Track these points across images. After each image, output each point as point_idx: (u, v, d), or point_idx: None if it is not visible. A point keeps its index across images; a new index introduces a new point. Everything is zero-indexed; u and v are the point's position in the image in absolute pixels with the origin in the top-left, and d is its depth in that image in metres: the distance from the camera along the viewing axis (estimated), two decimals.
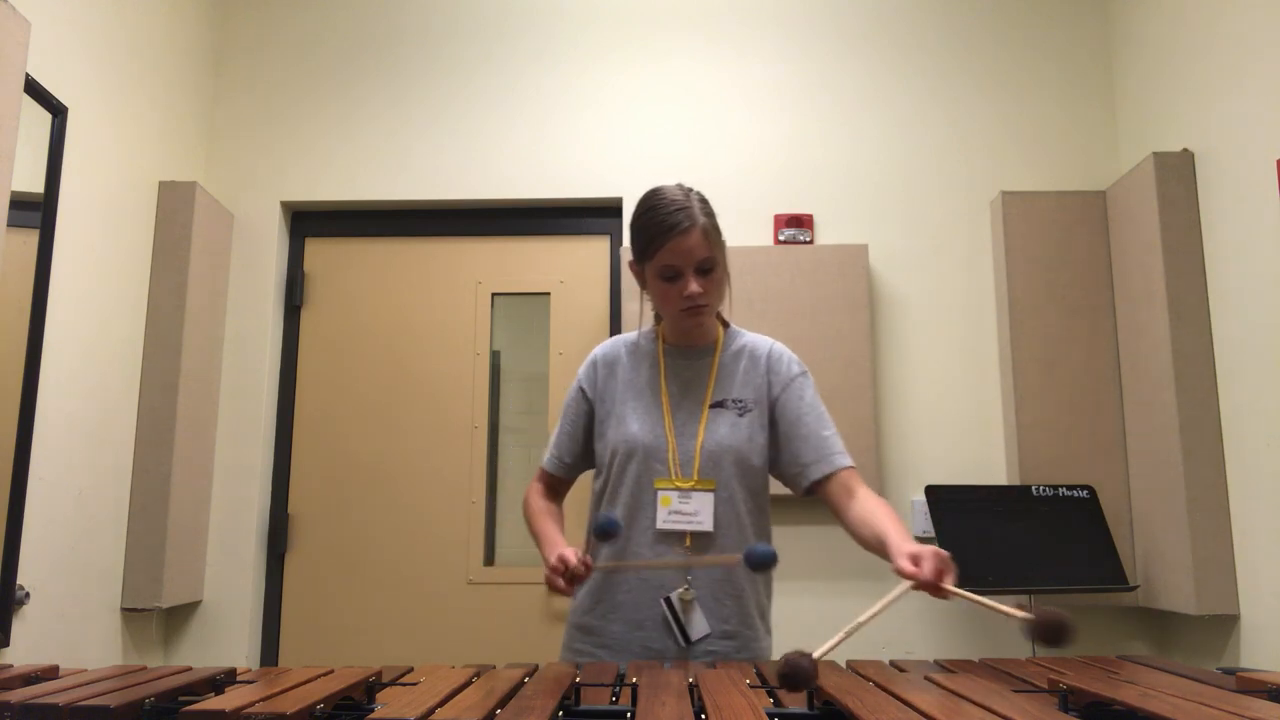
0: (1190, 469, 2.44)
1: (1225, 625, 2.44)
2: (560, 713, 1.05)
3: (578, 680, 1.18)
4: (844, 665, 1.35)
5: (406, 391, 3.04)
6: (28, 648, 2.18)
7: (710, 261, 1.57)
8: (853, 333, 2.84)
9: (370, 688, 1.14)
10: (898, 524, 1.43)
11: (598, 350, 1.75)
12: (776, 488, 1.70)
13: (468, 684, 1.15)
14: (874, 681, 1.15)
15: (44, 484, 2.25)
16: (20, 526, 2.13)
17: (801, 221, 2.98)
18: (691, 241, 1.54)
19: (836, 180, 3.03)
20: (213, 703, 0.97)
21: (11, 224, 2.07)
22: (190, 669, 1.22)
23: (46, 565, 2.26)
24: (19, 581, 2.13)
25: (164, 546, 2.60)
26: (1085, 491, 2.64)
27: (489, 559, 2.98)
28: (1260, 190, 2.30)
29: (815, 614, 2.79)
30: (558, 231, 3.13)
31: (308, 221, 3.16)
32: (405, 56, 3.16)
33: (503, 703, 1.03)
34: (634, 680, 1.18)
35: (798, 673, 0.99)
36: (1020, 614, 1.09)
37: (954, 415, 2.90)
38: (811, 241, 2.97)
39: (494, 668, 1.32)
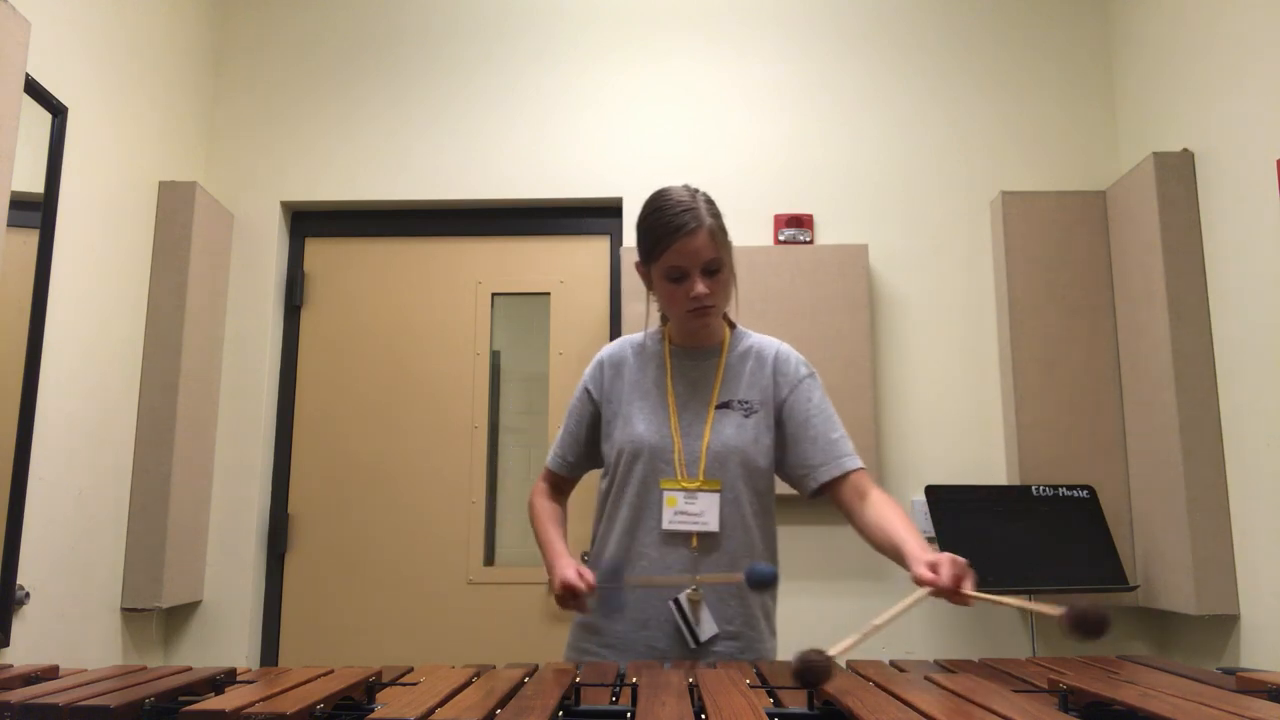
0: (1190, 469, 2.44)
1: (1225, 625, 2.44)
2: (560, 713, 1.05)
3: (578, 680, 1.18)
4: (844, 665, 1.35)
5: (406, 391, 3.05)
6: (28, 648, 2.18)
7: (716, 262, 1.57)
8: (853, 333, 2.84)
9: (370, 688, 1.14)
10: (913, 530, 1.44)
11: (604, 351, 1.75)
12: (780, 488, 1.70)
13: (468, 684, 1.15)
14: (874, 681, 1.15)
15: (44, 484, 2.25)
16: (20, 526, 2.13)
17: (801, 221, 2.98)
18: (698, 242, 1.54)
19: (836, 180, 3.03)
20: (213, 703, 0.97)
21: (11, 224, 2.07)
22: (190, 669, 1.22)
23: (46, 565, 2.26)
24: (19, 581, 2.13)
25: (164, 546, 2.60)
26: (1085, 491, 2.64)
27: (489, 559, 2.98)
28: (1260, 190, 2.30)
29: (816, 614, 2.79)
30: (558, 231, 3.13)
31: (308, 221, 3.16)
32: (405, 56, 3.16)
33: (503, 703, 1.03)
34: (634, 680, 1.18)
35: (813, 670, 1.01)
36: (1049, 610, 1.09)
37: (954, 415, 2.90)
38: (811, 241, 2.97)
39: (494, 668, 1.32)
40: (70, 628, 2.36)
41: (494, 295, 3.10)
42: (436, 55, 3.16)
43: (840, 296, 2.86)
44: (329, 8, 3.20)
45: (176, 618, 2.86)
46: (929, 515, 2.60)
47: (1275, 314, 2.25)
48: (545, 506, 1.74)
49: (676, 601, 1.57)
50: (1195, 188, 2.57)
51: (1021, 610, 2.77)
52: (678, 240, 1.54)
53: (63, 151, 2.29)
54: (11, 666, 1.27)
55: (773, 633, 1.67)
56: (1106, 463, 2.73)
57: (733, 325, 1.73)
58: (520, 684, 1.16)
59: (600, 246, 3.11)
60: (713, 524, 1.58)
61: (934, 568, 1.27)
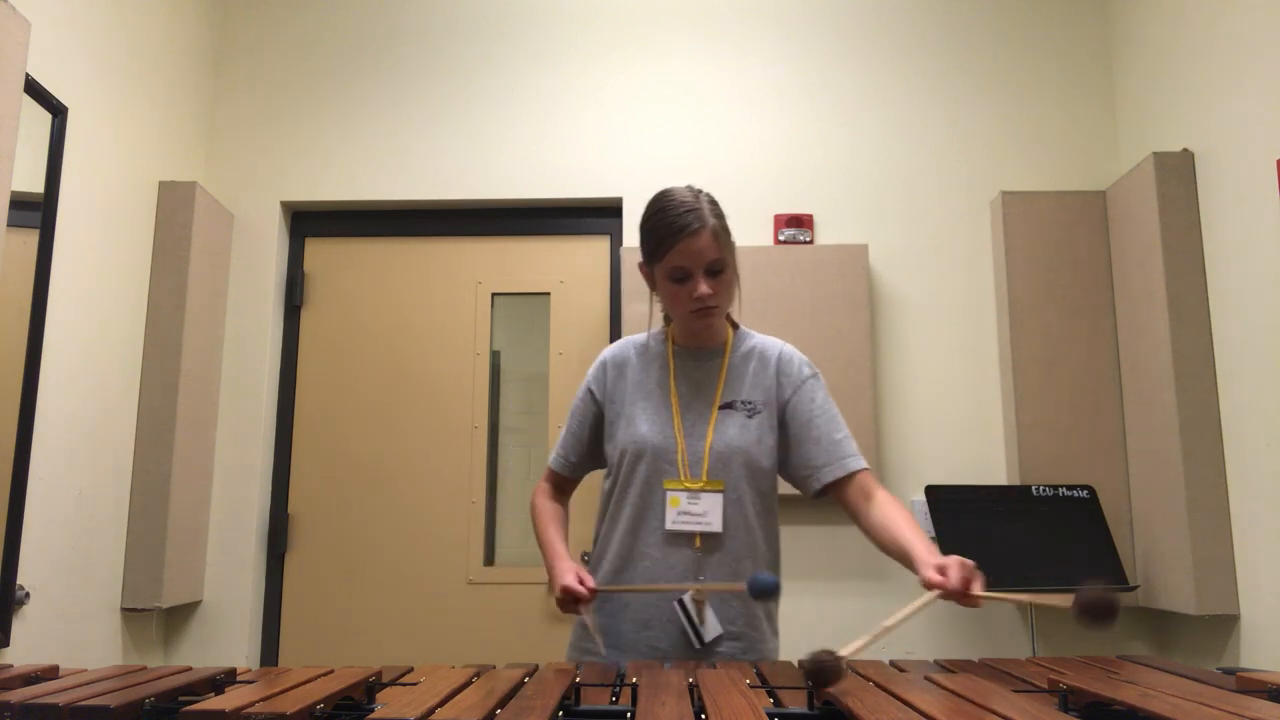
0: (1190, 469, 2.44)
1: (1225, 625, 2.44)
2: (560, 713, 1.05)
3: (578, 680, 1.18)
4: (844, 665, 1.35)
5: (406, 391, 3.05)
6: (28, 648, 2.18)
7: (720, 263, 1.57)
8: (853, 333, 2.84)
9: (370, 688, 1.14)
10: (919, 533, 1.45)
11: (607, 352, 1.75)
12: (781, 488, 1.70)
13: (468, 684, 1.15)
14: (874, 681, 1.15)
15: (44, 484, 2.25)
16: (20, 526, 2.13)
17: (801, 221, 2.98)
18: (701, 243, 1.54)
19: (836, 180, 3.03)
20: (213, 703, 0.97)
21: (11, 224, 2.07)
22: (190, 669, 1.22)
23: (46, 565, 2.26)
24: (19, 581, 2.13)
25: (164, 546, 2.60)
26: (1085, 491, 2.64)
27: (489, 559, 2.98)
28: (1260, 190, 2.30)
29: (816, 614, 2.79)
30: (558, 231, 3.13)
31: (308, 221, 3.16)
32: (405, 56, 3.16)
33: (503, 703, 1.03)
34: (634, 680, 1.18)
35: (825, 670, 1.03)
36: (1059, 601, 1.11)
37: (954, 415, 2.90)
38: (811, 241, 2.97)
39: (494, 668, 1.32)
40: (70, 628, 2.36)
41: (494, 295, 3.10)
42: (436, 55, 3.16)
43: (840, 296, 2.86)
44: (329, 8, 3.20)
45: (176, 618, 2.86)
46: (929, 515, 2.60)
47: (1275, 314, 2.25)
48: (547, 507, 1.74)
49: (681, 602, 1.57)
50: (1195, 188, 2.57)
51: (1027, 607, 2.77)
52: (681, 241, 1.54)
53: (63, 151, 2.29)
54: (11, 666, 1.27)
55: (775, 633, 1.67)
56: (1106, 463, 2.73)
57: (736, 326, 1.73)
58: (520, 684, 1.16)
59: (600, 246, 3.11)
60: (716, 524, 1.58)
61: (942, 571, 1.29)
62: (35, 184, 2.21)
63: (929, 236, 2.99)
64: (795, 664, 1.40)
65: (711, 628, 1.57)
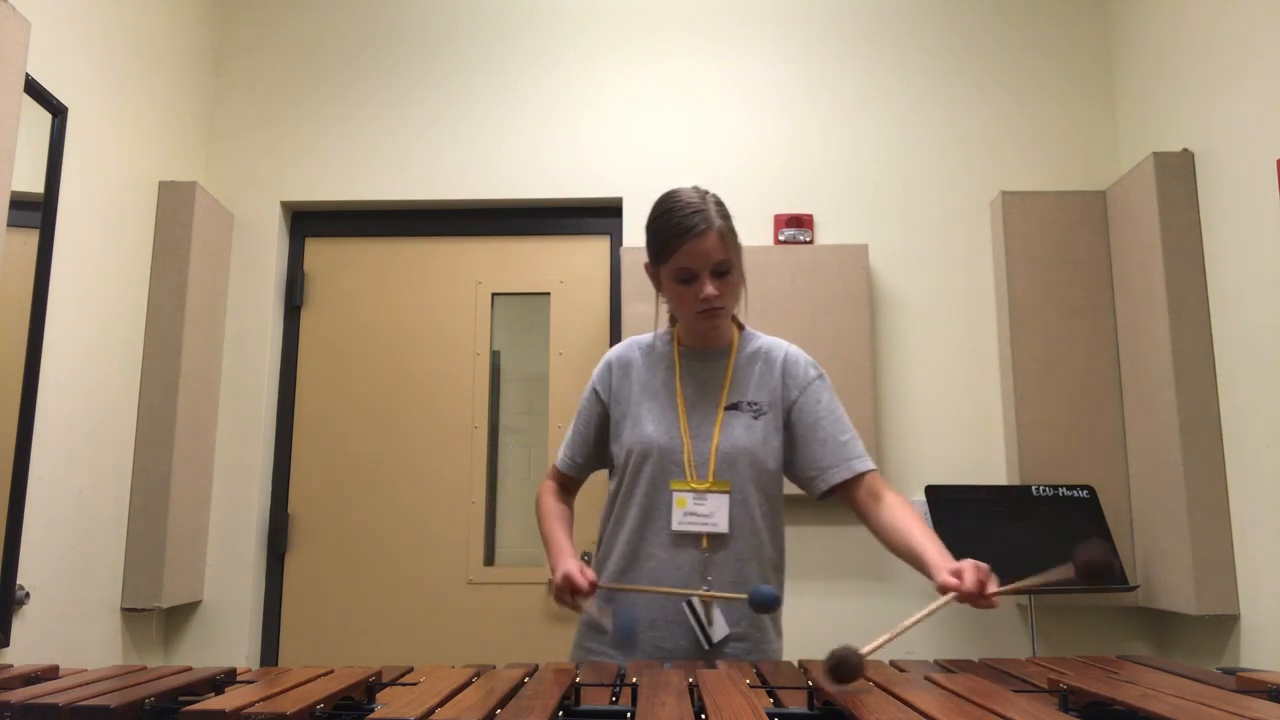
0: (1190, 469, 2.44)
1: (1225, 625, 2.44)
2: (560, 713, 1.05)
3: (578, 680, 1.18)
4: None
5: (406, 391, 3.04)
6: (28, 648, 2.18)
7: (726, 264, 1.57)
8: (853, 333, 2.84)
9: (370, 688, 1.14)
10: (931, 536, 1.47)
11: (612, 352, 1.75)
12: (785, 488, 1.70)
13: (468, 684, 1.15)
14: (874, 681, 1.15)
15: (44, 484, 2.25)
16: (20, 526, 2.13)
17: (801, 221, 2.98)
18: (707, 244, 1.55)
19: (836, 180, 3.03)
20: (213, 703, 0.97)
21: (11, 224, 2.07)
22: (190, 669, 1.22)
23: (46, 565, 2.26)
24: (19, 581, 2.13)
25: (164, 546, 2.60)
26: (1085, 491, 2.64)
27: (489, 559, 2.98)
28: (1260, 190, 2.30)
29: (816, 614, 2.79)
30: (558, 231, 3.13)
31: (308, 221, 3.16)
32: (405, 56, 3.16)
33: (503, 703, 1.03)
34: (634, 680, 1.18)
35: (846, 666, 1.06)
36: (1063, 573, 1.16)
37: (954, 415, 2.90)
38: (811, 241, 2.97)
39: (494, 668, 1.32)
40: (70, 628, 2.36)
41: (494, 295, 3.10)
42: (436, 55, 3.16)
43: (840, 296, 2.86)
44: (329, 8, 3.20)
45: (176, 618, 2.86)
46: (929, 515, 2.60)
47: (1275, 314, 2.25)
48: (552, 506, 1.75)
49: (690, 603, 1.57)
50: (1195, 188, 2.56)
51: (1027, 608, 2.77)
52: (687, 242, 1.54)
53: (63, 151, 2.29)
54: (11, 666, 1.27)
55: (778, 634, 1.67)
56: (1106, 463, 2.73)
57: (741, 327, 1.73)
58: (520, 684, 1.16)
59: (600, 246, 3.11)
60: (722, 525, 1.58)
61: (957, 574, 1.32)
62: (35, 184, 2.21)
63: (929, 236, 2.99)
64: (796, 664, 1.40)
65: (720, 628, 1.57)
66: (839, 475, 1.61)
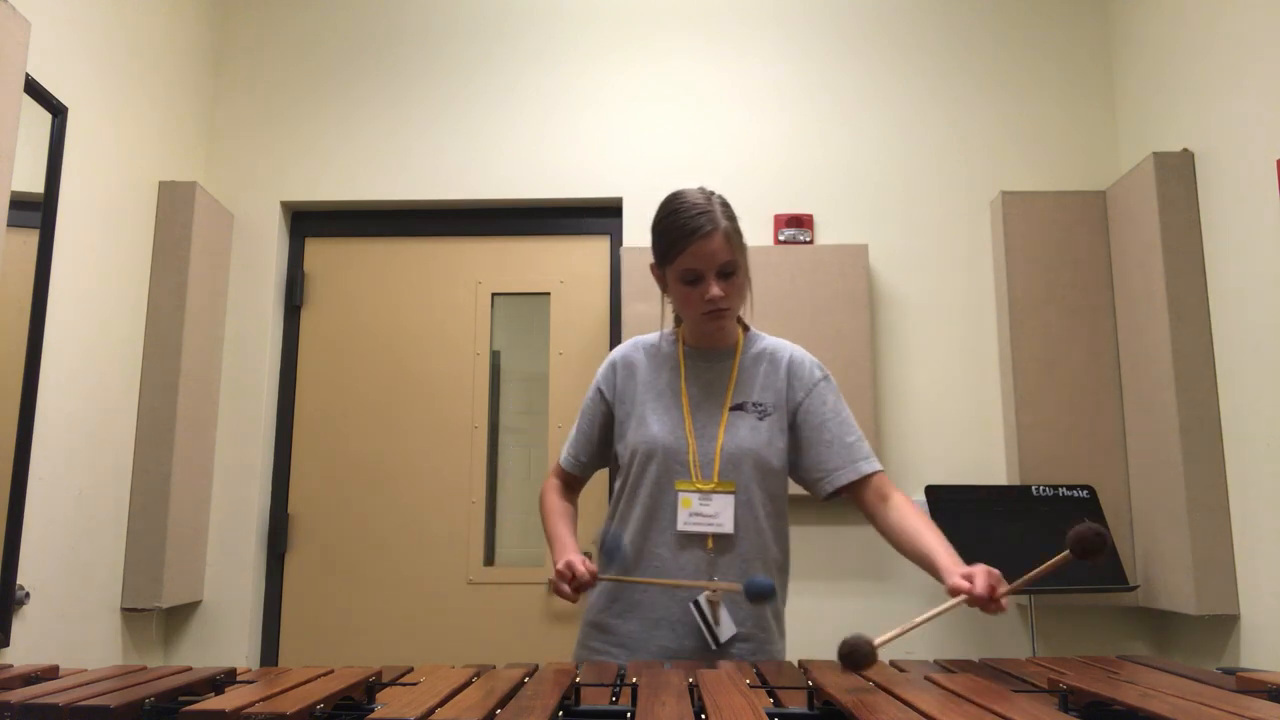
0: (1190, 469, 2.44)
1: (1225, 625, 2.44)
2: (560, 713, 1.05)
3: (578, 680, 1.18)
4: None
5: (406, 391, 3.04)
6: (28, 648, 2.18)
7: (732, 265, 1.57)
8: (853, 333, 2.84)
9: (370, 688, 1.14)
10: (942, 539, 1.49)
11: (616, 352, 1.76)
12: (789, 488, 1.70)
13: (468, 684, 1.15)
14: (874, 681, 1.15)
15: (44, 484, 2.25)
16: (20, 526, 2.13)
17: (801, 221, 2.98)
18: (713, 245, 1.55)
19: (836, 180, 3.03)
20: (213, 703, 0.97)
21: (11, 224, 2.07)
22: (190, 669, 1.22)
23: (46, 565, 2.26)
24: (19, 581, 2.13)
25: (164, 546, 2.60)
26: (1085, 491, 2.64)
27: (489, 559, 2.98)
28: (1260, 190, 2.30)
29: (817, 614, 2.79)
30: (558, 231, 3.13)
31: (308, 221, 3.16)
32: (405, 56, 3.16)
33: (503, 703, 1.03)
34: (634, 680, 1.18)
35: (859, 653, 1.09)
36: (1060, 559, 1.22)
37: (954, 415, 2.90)
38: (811, 241, 2.97)
39: (494, 668, 1.32)
40: (70, 628, 2.36)
41: (494, 295, 3.10)
42: (436, 55, 3.16)
43: (840, 296, 2.86)
44: (329, 8, 3.20)
45: (176, 618, 2.86)
46: (929, 515, 2.60)
47: (1275, 314, 2.25)
48: (557, 504, 1.75)
49: (697, 603, 1.58)
50: (1195, 188, 2.56)
51: (1027, 608, 2.77)
52: (693, 243, 1.55)
53: (63, 151, 2.29)
54: (11, 666, 1.27)
55: (782, 634, 1.68)
56: (1106, 463, 2.73)
57: (746, 327, 1.74)
58: (520, 684, 1.16)
59: (600, 246, 3.11)
60: (727, 526, 1.59)
61: (969, 578, 1.33)
62: (35, 184, 2.21)
63: (929, 236, 2.99)
64: (796, 664, 1.40)
65: (726, 628, 1.57)
66: (846, 477, 1.61)
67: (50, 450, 2.27)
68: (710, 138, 3.07)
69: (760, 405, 1.64)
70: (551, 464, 2.96)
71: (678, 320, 1.73)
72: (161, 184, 2.78)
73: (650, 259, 1.66)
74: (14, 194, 2.04)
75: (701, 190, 1.61)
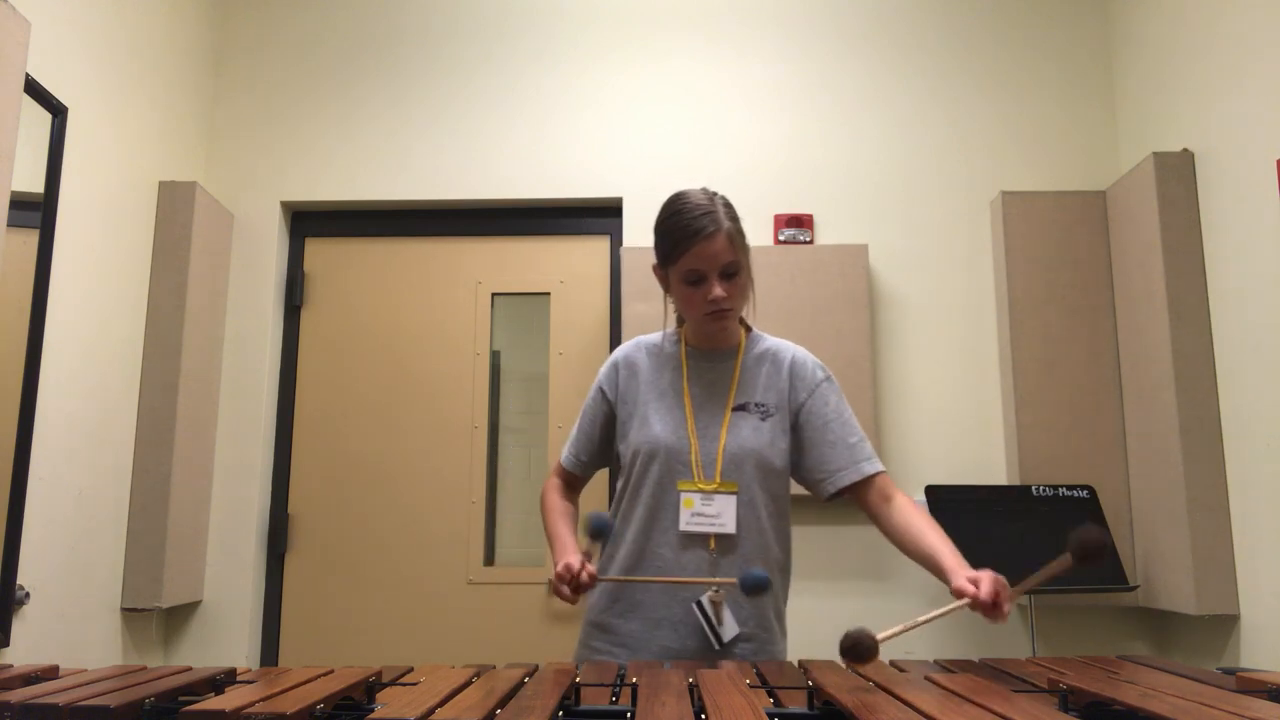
0: (1190, 469, 2.44)
1: (1225, 625, 2.44)
2: (560, 713, 1.05)
3: (578, 680, 1.18)
4: (844, 665, 1.35)
5: (406, 391, 3.04)
6: (28, 648, 2.18)
7: (735, 266, 1.58)
8: (853, 333, 2.84)
9: (370, 688, 1.14)
10: (947, 540, 1.49)
11: (619, 352, 1.76)
12: (792, 489, 1.70)
13: (468, 684, 1.15)
14: (874, 681, 1.15)
15: (44, 484, 2.25)
16: (20, 526, 2.13)
17: (801, 221, 2.98)
18: (716, 246, 1.55)
19: (836, 180, 3.03)
20: (213, 703, 0.97)
21: (11, 224, 2.07)
22: (190, 669, 1.22)
23: (46, 565, 2.26)
24: (19, 581, 2.13)
25: (164, 546, 2.60)
26: (1085, 491, 2.64)
27: (489, 559, 2.98)
28: (1260, 190, 2.30)
29: (817, 614, 2.79)
30: (558, 231, 3.13)
31: (308, 221, 3.16)
32: (405, 56, 3.16)
33: (503, 703, 1.03)
34: (634, 680, 1.18)
35: (861, 645, 1.10)
36: (1061, 563, 1.22)
37: (954, 415, 2.90)
38: (811, 241, 2.97)
39: (494, 668, 1.32)
40: (70, 628, 2.36)
41: (494, 295, 3.10)
42: (436, 55, 3.16)
43: (840, 296, 2.86)
44: (329, 8, 3.20)
45: (176, 618, 2.86)
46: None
47: (1275, 314, 2.25)
48: (557, 503, 1.75)
49: (700, 604, 1.58)
50: (1195, 188, 2.56)
51: (1028, 607, 2.77)
52: (696, 244, 1.55)
53: (63, 151, 2.29)
54: (11, 666, 1.27)
55: (784, 634, 1.68)
56: (1106, 463, 2.73)
57: (748, 328, 1.74)
58: (520, 684, 1.16)
59: (600, 246, 3.11)
60: (730, 526, 1.59)
61: (975, 582, 1.35)
62: (35, 184, 2.21)
63: (929, 236, 2.99)
64: (796, 664, 1.40)
65: (730, 628, 1.58)
66: (849, 478, 1.62)
67: (50, 450, 2.27)
68: (710, 138, 3.07)
69: (763, 406, 1.65)
70: (552, 464, 2.96)
71: (680, 320, 1.73)
72: (161, 184, 2.78)
73: (652, 259, 1.66)
74: (14, 194, 2.04)
75: (704, 191, 1.61)
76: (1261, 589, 2.30)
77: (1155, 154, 2.59)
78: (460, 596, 2.93)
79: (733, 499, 1.59)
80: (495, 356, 3.09)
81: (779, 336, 1.77)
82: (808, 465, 1.66)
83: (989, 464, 2.87)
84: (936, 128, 3.05)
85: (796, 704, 1.11)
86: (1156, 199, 2.57)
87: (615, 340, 2.99)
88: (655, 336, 1.76)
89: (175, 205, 2.76)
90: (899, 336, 2.94)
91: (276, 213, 3.07)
